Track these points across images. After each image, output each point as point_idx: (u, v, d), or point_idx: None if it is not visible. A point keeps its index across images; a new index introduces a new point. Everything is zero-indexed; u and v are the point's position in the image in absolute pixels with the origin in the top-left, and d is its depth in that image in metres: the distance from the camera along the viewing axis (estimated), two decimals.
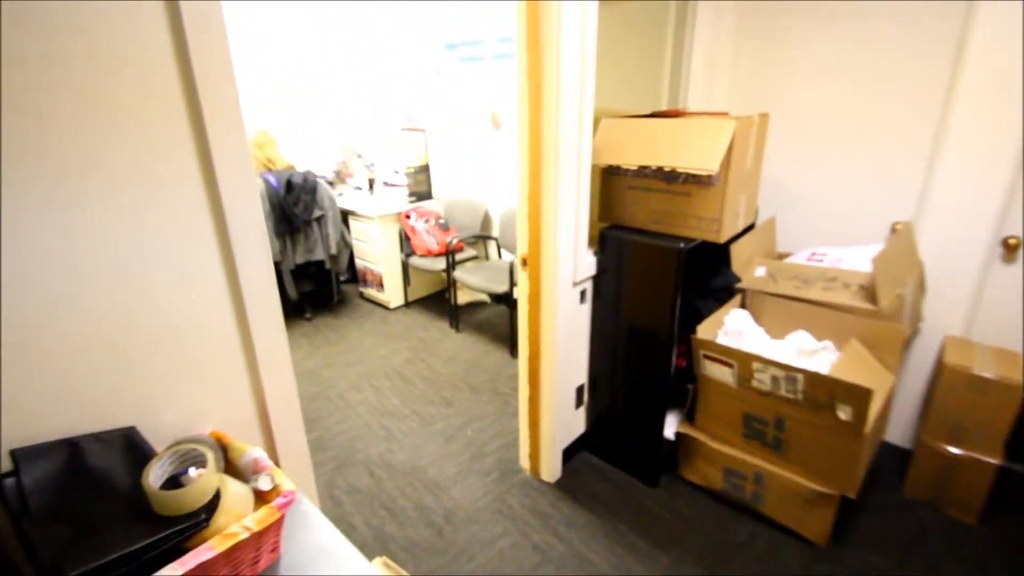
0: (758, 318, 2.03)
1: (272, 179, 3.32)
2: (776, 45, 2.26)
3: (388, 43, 3.97)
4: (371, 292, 4.00)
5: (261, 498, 0.91)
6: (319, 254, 3.54)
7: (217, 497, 0.84)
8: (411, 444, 2.41)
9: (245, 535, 0.81)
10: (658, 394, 1.97)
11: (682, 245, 1.72)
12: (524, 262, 1.85)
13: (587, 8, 1.58)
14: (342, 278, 4.25)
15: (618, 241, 1.90)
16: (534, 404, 2.04)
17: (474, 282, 3.23)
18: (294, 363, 3.24)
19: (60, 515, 0.78)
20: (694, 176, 1.62)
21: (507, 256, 3.56)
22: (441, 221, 3.68)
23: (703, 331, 1.88)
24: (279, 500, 0.86)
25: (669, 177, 1.69)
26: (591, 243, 1.95)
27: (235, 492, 0.87)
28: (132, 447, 0.92)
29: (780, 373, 1.67)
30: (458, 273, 3.36)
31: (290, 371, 1.14)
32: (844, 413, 1.56)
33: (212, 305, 0.98)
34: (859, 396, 1.51)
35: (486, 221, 3.67)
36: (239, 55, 4.22)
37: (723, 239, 1.72)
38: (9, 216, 0.74)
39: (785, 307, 1.96)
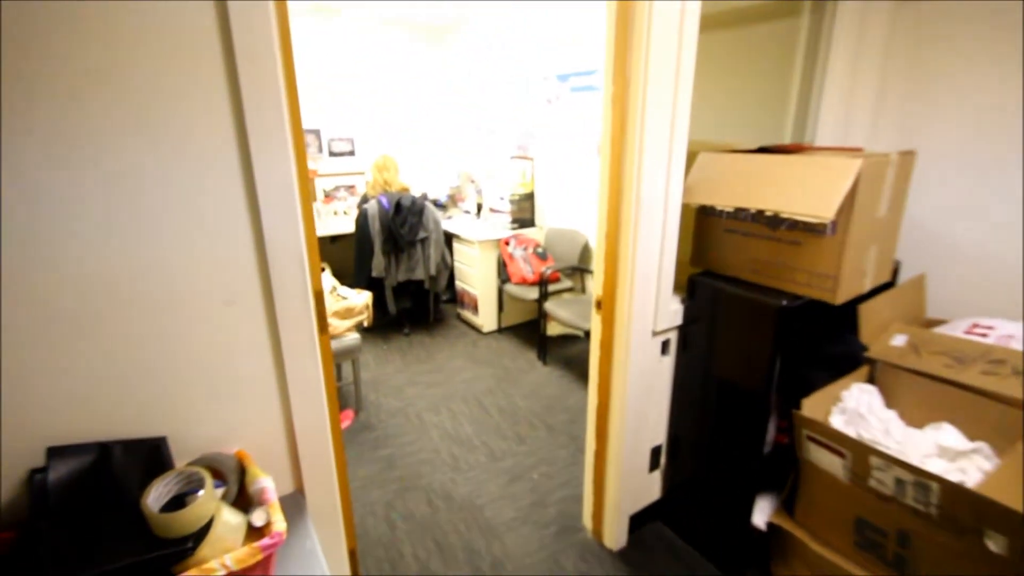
0: (890, 399, 1.66)
1: (385, 200, 3.52)
2: (938, 68, 1.88)
3: (505, 74, 4.07)
4: (467, 314, 4.05)
5: (255, 533, 0.88)
6: (419, 274, 3.67)
7: (209, 525, 0.83)
8: (475, 478, 2.33)
9: (221, 572, 0.78)
10: (748, 472, 1.68)
11: (785, 303, 1.46)
12: (598, 305, 1.70)
13: (684, 30, 1.42)
14: (443, 298, 4.38)
15: (711, 290, 1.67)
16: (600, 460, 1.85)
17: (563, 315, 3.11)
18: (385, 377, 3.41)
19: (71, 518, 0.82)
20: (803, 223, 1.37)
21: None
22: (539, 250, 3.63)
23: (811, 407, 1.56)
24: (264, 541, 0.82)
25: (773, 222, 1.45)
26: (678, 289, 1.75)
27: (227, 523, 0.85)
28: (156, 458, 0.95)
29: (907, 476, 1.32)
30: (549, 304, 3.27)
31: (322, 401, 1.12)
32: (996, 544, 1.18)
33: (248, 329, 1.00)
34: (1018, 525, 1.13)
35: (585, 253, 3.54)
36: (367, 89, 4.63)
37: (839, 300, 1.42)
38: (74, 224, 0.81)
39: (928, 390, 1.57)
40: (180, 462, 0.97)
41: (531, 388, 3.12)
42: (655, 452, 1.92)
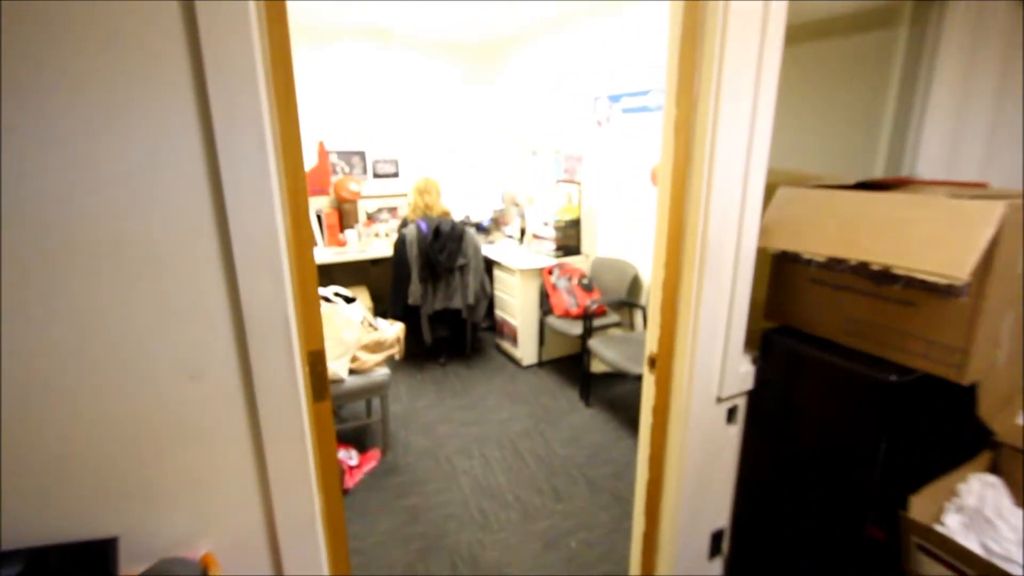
0: (1020, 495, 1.31)
1: (424, 225, 3.39)
2: None
3: (554, 95, 3.89)
4: (506, 345, 3.84)
5: None
6: (457, 302, 3.50)
7: None
8: (505, 541, 2.09)
9: None
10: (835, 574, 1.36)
11: (895, 378, 1.16)
12: (652, 363, 1.45)
13: (767, 37, 1.18)
14: (483, 326, 4.19)
15: (790, 351, 1.38)
16: (650, 544, 1.57)
17: (609, 356, 2.83)
18: (417, 412, 3.22)
19: None
20: (922, 281, 1.07)
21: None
22: (584, 281, 3.38)
23: (921, 506, 1.24)
24: None
25: (879, 277, 1.16)
26: (749, 345, 1.47)
27: None
28: (101, 566, 0.77)
29: None
30: (594, 342, 3.00)
31: (310, 490, 0.93)
32: None
33: (218, 407, 0.82)
34: None
35: (635, 286, 3.27)
36: (413, 110, 4.56)
37: (968, 378, 1.11)
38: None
39: None
40: (133, 568, 0.80)
41: (572, 433, 2.85)
42: (716, 537, 1.62)
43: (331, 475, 1.10)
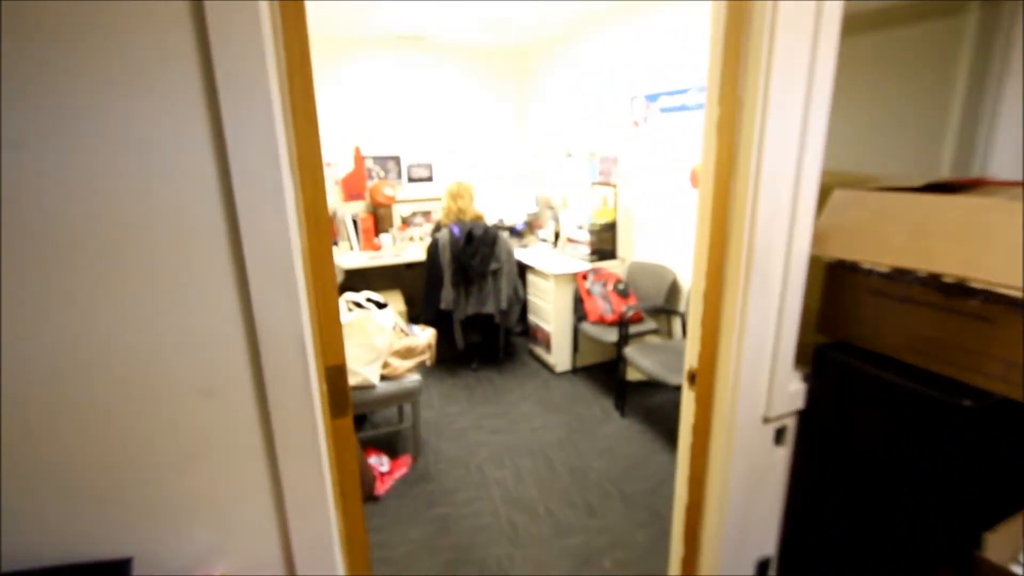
0: None
1: (456, 230, 3.36)
2: None
3: (589, 95, 3.81)
4: (539, 351, 3.77)
5: None
6: (490, 307, 3.45)
7: None
8: (535, 557, 2.02)
9: None
10: None
11: (969, 403, 1.04)
12: (691, 378, 1.35)
13: (821, 34, 1.08)
14: (516, 331, 4.14)
15: (847, 369, 1.27)
16: (689, 571, 1.48)
17: (645, 364, 2.73)
18: (448, 419, 3.18)
19: None
20: (1003, 295, 0.95)
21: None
22: (620, 286, 3.28)
23: (997, 545, 1.11)
24: None
25: (952, 290, 1.04)
26: (800, 362, 1.36)
27: None
28: None
29: None
30: (630, 350, 2.90)
31: (327, 509, 0.89)
32: None
33: (232, 425, 0.79)
34: None
35: (673, 291, 3.15)
36: (447, 114, 4.55)
37: None
38: (24, 310, 0.64)
39: None
40: None
41: (606, 444, 2.76)
42: (762, 565, 1.51)
43: (352, 494, 1.07)
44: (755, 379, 1.28)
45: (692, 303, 1.33)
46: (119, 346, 0.70)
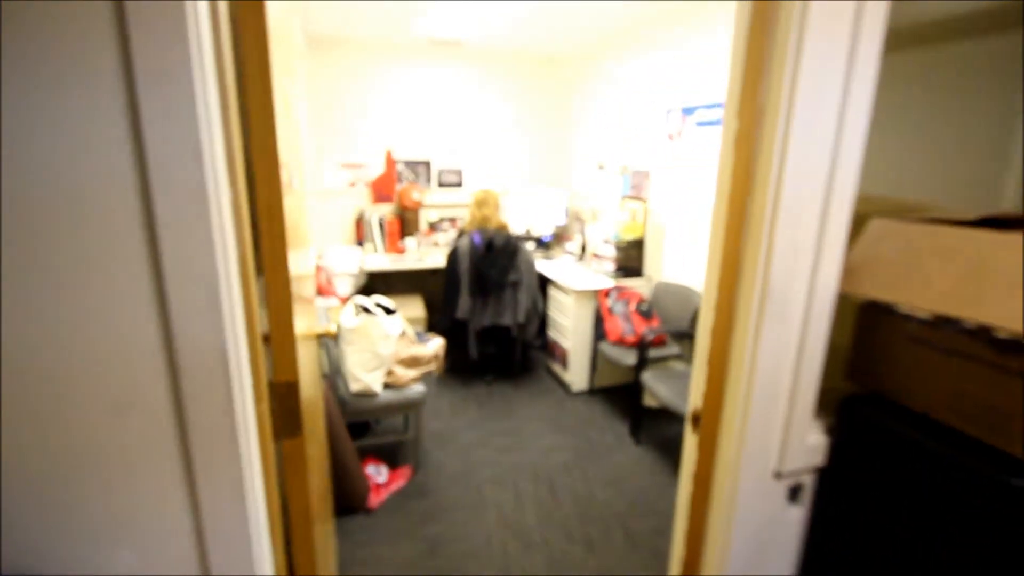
0: None
1: (477, 238, 3.29)
2: None
3: (624, 107, 3.67)
4: (556, 368, 3.64)
5: None
6: (507, 319, 3.35)
7: None
8: None
9: None
10: None
11: (1019, 483, 0.86)
12: (695, 420, 1.21)
13: (860, 39, 0.93)
14: (536, 344, 4.02)
15: (876, 426, 1.10)
16: None
17: (661, 392, 2.56)
18: (455, 431, 3.08)
19: None
20: None
21: None
22: (643, 306, 3.12)
23: None
24: None
25: (1005, 346, 0.87)
26: (823, 412, 1.19)
27: None
28: None
29: None
30: (648, 375, 2.74)
31: (252, 543, 0.80)
32: None
33: (150, 447, 0.71)
34: None
35: (699, 316, 2.96)
36: (479, 120, 4.50)
37: None
38: None
39: None
40: None
41: (616, 473, 2.60)
42: None
43: (303, 522, 0.98)
44: (766, 428, 1.13)
45: (699, 337, 1.19)
46: (21, 353, 0.64)
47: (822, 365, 1.13)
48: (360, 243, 4.31)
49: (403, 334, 2.63)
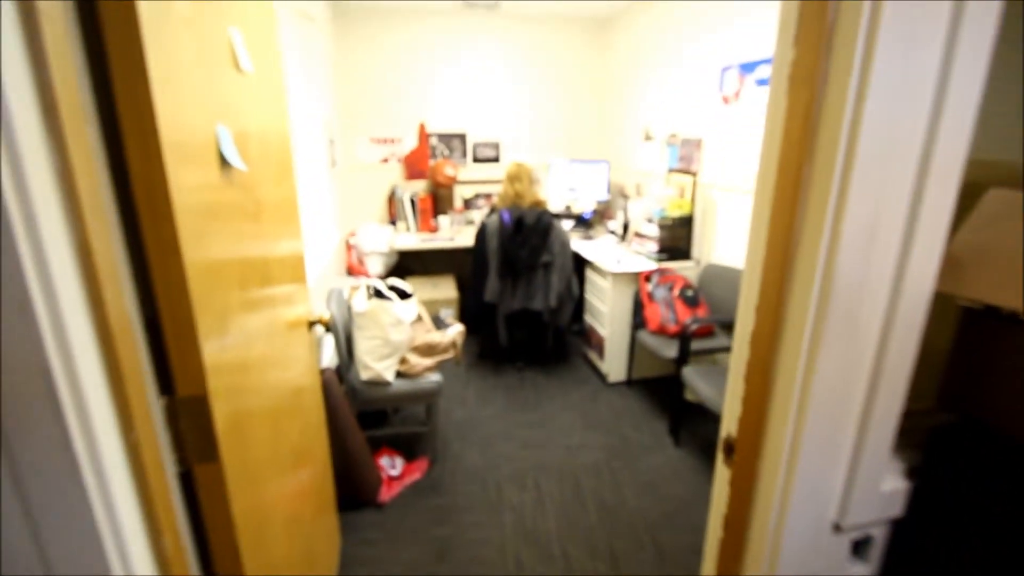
0: None
1: (507, 216, 3.05)
2: None
3: (673, 68, 3.29)
4: (592, 356, 3.39)
5: None
6: (537, 303, 3.12)
7: None
8: None
9: None
10: None
11: None
12: (728, 449, 0.95)
13: None
14: (573, 329, 3.78)
15: (985, 468, 0.81)
16: None
17: (703, 390, 2.27)
18: (479, 422, 2.82)
19: None
20: None
21: None
22: (689, 292, 2.80)
23: None
24: None
25: None
26: (903, 447, 0.91)
27: None
28: None
29: None
30: (689, 370, 2.44)
31: None
32: None
33: None
34: None
35: None
36: (517, 90, 4.21)
37: None
38: None
39: None
40: None
41: (651, 478, 2.35)
42: None
43: (230, 557, 0.82)
44: (824, 467, 0.86)
45: (735, 346, 0.92)
46: None
47: (907, 386, 0.84)
48: (393, 222, 4.18)
49: (419, 319, 2.46)
